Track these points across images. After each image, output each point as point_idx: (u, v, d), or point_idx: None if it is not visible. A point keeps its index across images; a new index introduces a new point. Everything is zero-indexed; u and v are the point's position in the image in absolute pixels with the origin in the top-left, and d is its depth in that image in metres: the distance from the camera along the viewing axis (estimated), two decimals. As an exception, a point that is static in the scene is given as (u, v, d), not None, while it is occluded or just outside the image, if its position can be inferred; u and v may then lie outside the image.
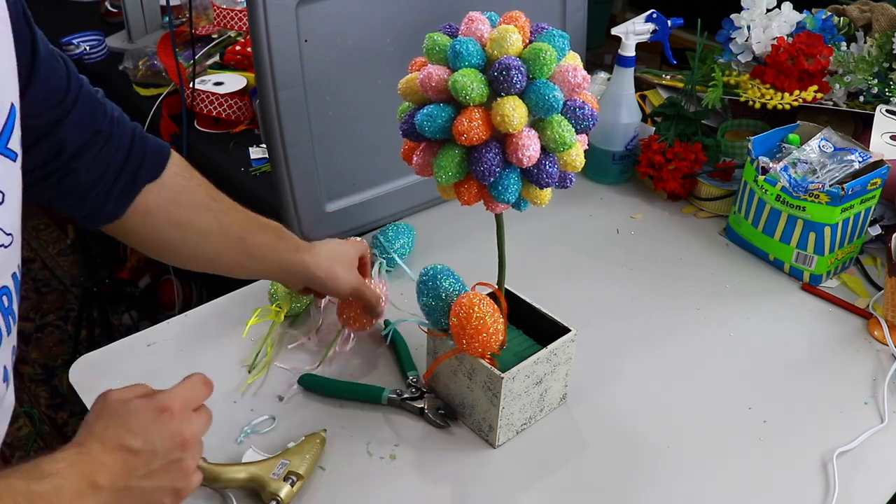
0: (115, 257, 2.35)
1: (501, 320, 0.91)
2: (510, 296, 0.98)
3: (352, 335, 1.09)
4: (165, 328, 1.11)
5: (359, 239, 1.10)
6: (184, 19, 1.94)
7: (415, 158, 0.85)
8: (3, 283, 0.70)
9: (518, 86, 0.76)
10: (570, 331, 0.95)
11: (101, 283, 2.10)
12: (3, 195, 0.67)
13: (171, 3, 1.71)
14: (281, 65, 1.09)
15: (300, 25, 1.08)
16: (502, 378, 0.90)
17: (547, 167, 0.80)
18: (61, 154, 0.81)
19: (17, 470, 0.63)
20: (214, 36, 1.84)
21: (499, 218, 0.90)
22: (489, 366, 0.91)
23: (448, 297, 0.94)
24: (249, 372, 1.04)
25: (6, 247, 0.69)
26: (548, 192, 0.84)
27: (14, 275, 0.72)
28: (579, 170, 0.82)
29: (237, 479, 0.87)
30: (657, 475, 0.93)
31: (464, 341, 0.90)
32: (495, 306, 0.91)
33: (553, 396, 0.99)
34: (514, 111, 0.75)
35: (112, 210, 0.87)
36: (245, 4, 1.15)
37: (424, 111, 0.79)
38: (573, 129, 0.79)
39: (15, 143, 0.68)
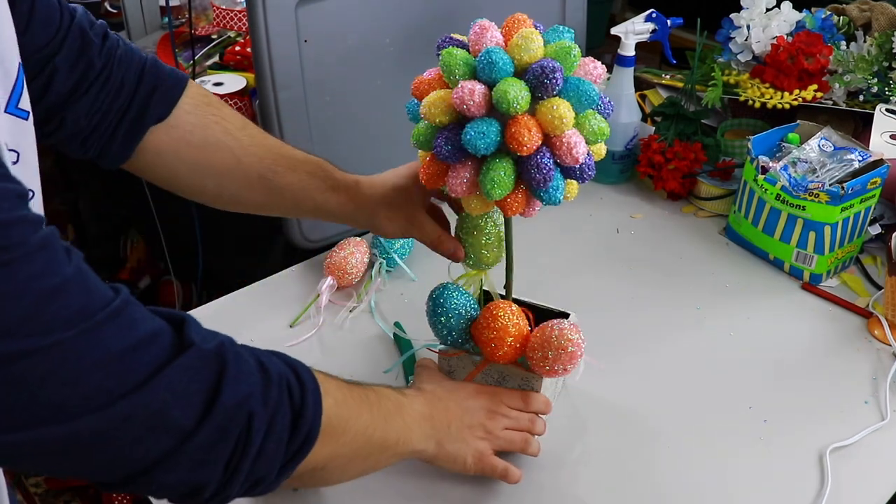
0: (115, 258, 2.35)
1: (525, 322, 0.91)
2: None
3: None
4: (166, 328, 1.11)
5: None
6: (183, 20, 1.94)
7: (453, 179, 0.79)
8: None
9: (559, 86, 0.75)
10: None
11: (101, 283, 2.10)
12: (18, 154, 0.65)
13: (171, 4, 1.71)
14: (281, 65, 1.09)
15: (300, 25, 1.08)
16: (542, 378, 0.91)
17: (589, 160, 0.80)
18: (51, 101, 0.78)
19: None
20: (214, 36, 1.84)
21: (508, 221, 0.89)
22: (523, 371, 0.92)
23: (466, 311, 0.91)
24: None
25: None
26: (577, 186, 0.84)
27: None
28: (602, 158, 0.83)
29: None
30: (657, 474, 0.93)
31: (499, 353, 0.89)
32: (515, 309, 0.91)
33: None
34: (568, 111, 0.74)
35: (119, 151, 0.85)
36: (245, 5, 1.15)
37: (475, 128, 0.74)
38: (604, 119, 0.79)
39: (25, 102, 0.66)
